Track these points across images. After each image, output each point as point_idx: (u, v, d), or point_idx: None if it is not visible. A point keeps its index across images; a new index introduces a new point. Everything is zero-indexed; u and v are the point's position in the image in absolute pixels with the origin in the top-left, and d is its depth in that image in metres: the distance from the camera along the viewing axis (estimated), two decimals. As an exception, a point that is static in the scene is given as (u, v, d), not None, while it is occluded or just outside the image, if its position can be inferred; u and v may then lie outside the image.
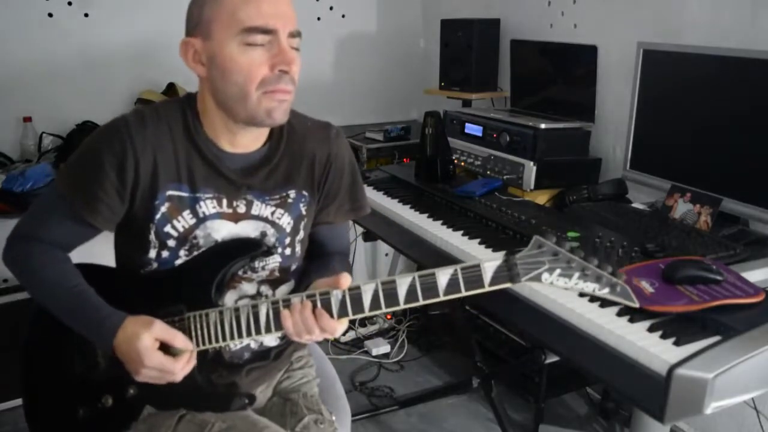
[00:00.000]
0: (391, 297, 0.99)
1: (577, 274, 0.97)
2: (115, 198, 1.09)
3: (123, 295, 1.10)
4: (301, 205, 1.21)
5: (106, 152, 1.07)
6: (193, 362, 1.07)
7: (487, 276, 0.98)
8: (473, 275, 0.98)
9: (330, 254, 1.31)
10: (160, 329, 1.03)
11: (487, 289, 0.98)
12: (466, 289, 0.98)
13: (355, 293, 1.01)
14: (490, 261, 0.98)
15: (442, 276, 0.99)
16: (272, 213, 1.17)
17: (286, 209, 1.19)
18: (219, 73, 1.06)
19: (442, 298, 0.99)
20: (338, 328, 1.03)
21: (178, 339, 1.04)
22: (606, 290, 0.96)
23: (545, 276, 0.97)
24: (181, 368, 1.04)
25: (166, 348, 1.04)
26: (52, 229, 1.14)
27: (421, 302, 1.00)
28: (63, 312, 1.10)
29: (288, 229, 1.19)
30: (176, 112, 1.13)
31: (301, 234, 1.23)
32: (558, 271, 0.97)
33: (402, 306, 1.00)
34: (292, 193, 1.19)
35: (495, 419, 2.18)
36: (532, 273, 0.97)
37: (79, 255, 1.19)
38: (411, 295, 0.99)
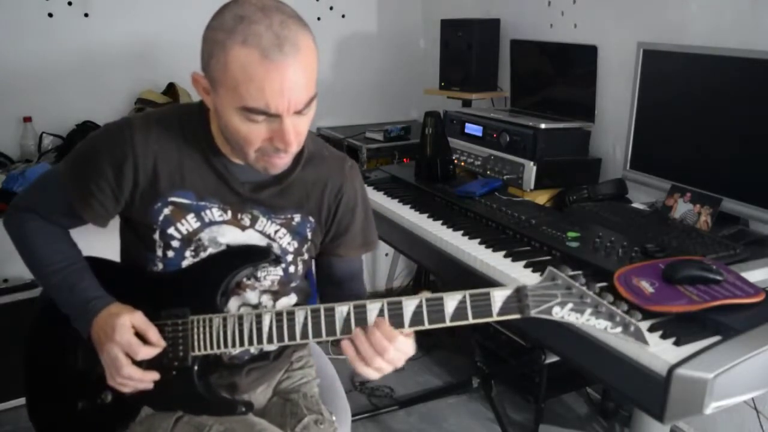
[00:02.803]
0: (397, 318, 0.99)
1: (589, 310, 0.95)
2: (110, 197, 1.10)
3: (128, 292, 1.11)
4: (307, 230, 1.20)
5: (106, 152, 1.08)
6: (147, 376, 1.07)
7: (496, 306, 0.96)
8: (481, 304, 0.97)
9: (347, 296, 1.26)
10: (141, 318, 1.06)
11: (495, 319, 0.97)
12: (474, 318, 0.97)
13: (360, 311, 1.00)
14: (500, 290, 0.97)
15: (450, 302, 0.97)
16: (275, 232, 1.17)
17: (289, 230, 1.18)
18: (221, 124, 1.04)
19: (448, 324, 0.98)
20: (402, 340, 0.99)
21: (152, 331, 1.06)
22: (619, 329, 0.94)
23: (556, 310, 0.95)
24: (143, 354, 1.05)
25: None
26: (49, 209, 1.16)
27: (427, 327, 0.98)
28: (53, 288, 1.13)
29: (290, 249, 1.19)
30: (189, 118, 1.12)
31: (305, 256, 1.22)
32: (570, 305, 0.95)
33: (407, 329, 0.99)
34: (297, 217, 1.18)
35: (495, 419, 2.18)
36: (543, 306, 0.95)
37: (84, 250, 1.20)
38: (416, 319, 0.98)
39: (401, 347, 1.00)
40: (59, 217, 1.16)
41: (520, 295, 0.96)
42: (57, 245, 1.16)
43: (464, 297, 0.97)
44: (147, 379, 1.07)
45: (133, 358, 1.05)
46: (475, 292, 0.97)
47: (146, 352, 1.05)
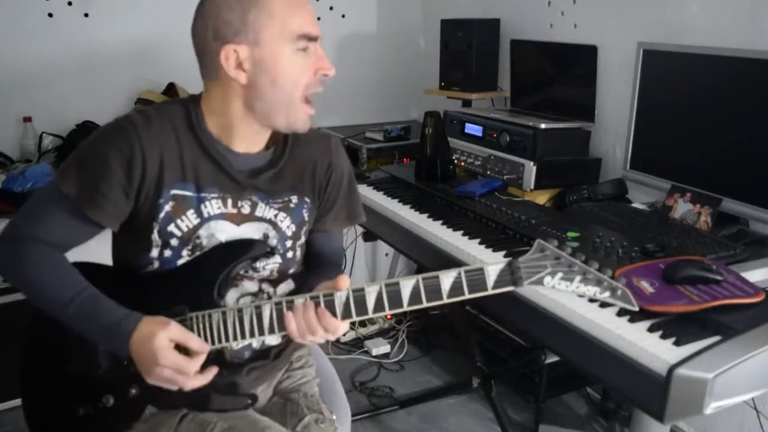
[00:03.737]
0: (395, 299, 1.00)
1: (578, 278, 0.98)
2: (122, 196, 1.09)
3: (124, 294, 1.09)
4: (304, 211, 1.23)
5: (114, 150, 1.07)
6: (209, 376, 1.06)
7: (491, 280, 0.99)
8: (476, 279, 0.99)
9: (326, 264, 1.32)
10: (176, 330, 1.04)
11: (490, 292, 0.99)
12: (470, 293, 0.99)
13: (359, 295, 1.01)
14: (493, 264, 0.99)
15: (446, 279, 0.99)
16: (275, 216, 1.19)
17: (288, 213, 1.20)
18: (268, 80, 1.08)
19: (445, 300, 1.00)
20: (340, 327, 1.04)
21: (193, 341, 1.05)
22: (607, 294, 0.98)
23: (547, 279, 0.98)
24: (195, 369, 1.04)
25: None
26: (53, 228, 1.11)
27: (425, 305, 1.00)
28: (71, 319, 1.07)
29: (289, 233, 1.21)
30: (180, 111, 1.13)
31: (302, 239, 1.25)
32: (560, 275, 0.98)
33: (405, 308, 1.00)
34: (294, 199, 1.21)
35: (495, 419, 2.18)
36: (535, 277, 0.98)
37: (75, 254, 1.16)
38: (414, 297, 1.00)
39: (335, 331, 1.04)
40: (68, 234, 1.12)
41: (512, 267, 0.99)
42: (61, 272, 1.10)
43: (459, 273, 0.99)
44: (210, 377, 1.06)
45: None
46: (470, 268, 1.00)
47: (196, 366, 1.04)
